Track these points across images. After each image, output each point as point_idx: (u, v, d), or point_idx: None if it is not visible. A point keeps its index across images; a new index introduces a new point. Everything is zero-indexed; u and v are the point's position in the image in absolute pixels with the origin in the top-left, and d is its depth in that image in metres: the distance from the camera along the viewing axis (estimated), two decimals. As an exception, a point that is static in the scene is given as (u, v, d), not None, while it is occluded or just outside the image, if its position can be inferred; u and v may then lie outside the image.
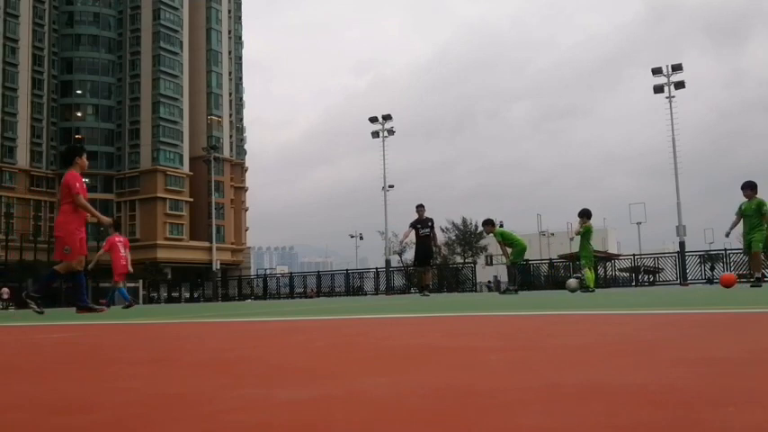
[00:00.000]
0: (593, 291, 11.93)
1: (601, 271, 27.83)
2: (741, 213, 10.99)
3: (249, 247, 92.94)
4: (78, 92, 75.20)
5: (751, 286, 10.49)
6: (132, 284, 43.19)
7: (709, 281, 23.45)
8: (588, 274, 12.57)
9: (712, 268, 24.46)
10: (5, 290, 33.63)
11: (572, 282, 12.28)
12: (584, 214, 12.55)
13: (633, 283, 26.92)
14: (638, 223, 40.22)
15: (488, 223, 13.91)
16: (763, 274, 12.02)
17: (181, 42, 78.43)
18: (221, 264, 50.95)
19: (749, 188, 11.05)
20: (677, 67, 29.10)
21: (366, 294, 28.61)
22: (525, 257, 17.53)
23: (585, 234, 12.60)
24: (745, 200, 11.06)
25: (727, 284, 10.53)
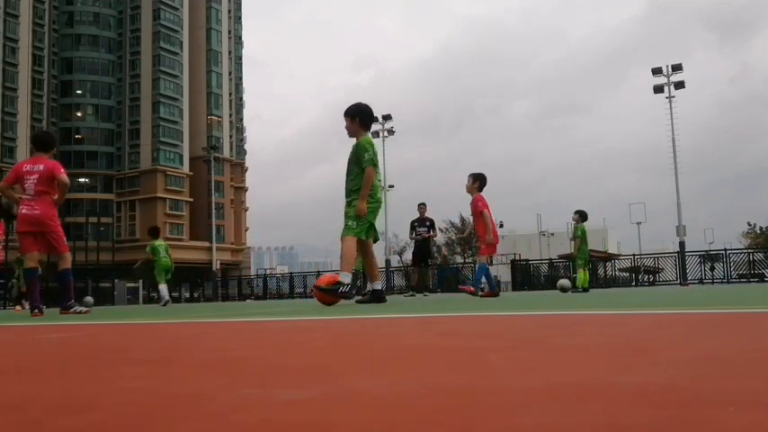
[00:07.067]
0: (582, 291, 12.05)
1: (601, 271, 27.86)
2: None
3: (249, 247, 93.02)
4: (78, 92, 75.30)
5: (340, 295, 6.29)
6: (132, 284, 42.88)
7: (701, 281, 23.59)
8: (581, 275, 12.77)
9: (712, 268, 24.51)
10: None
11: (564, 282, 12.45)
12: (579, 214, 12.65)
13: (633, 283, 26.92)
14: (638, 223, 40.29)
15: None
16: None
17: (181, 42, 78.52)
18: (221, 264, 51.00)
19: (349, 116, 6.48)
20: (677, 67, 29.16)
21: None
22: (525, 257, 17.62)
23: (582, 235, 12.75)
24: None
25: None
